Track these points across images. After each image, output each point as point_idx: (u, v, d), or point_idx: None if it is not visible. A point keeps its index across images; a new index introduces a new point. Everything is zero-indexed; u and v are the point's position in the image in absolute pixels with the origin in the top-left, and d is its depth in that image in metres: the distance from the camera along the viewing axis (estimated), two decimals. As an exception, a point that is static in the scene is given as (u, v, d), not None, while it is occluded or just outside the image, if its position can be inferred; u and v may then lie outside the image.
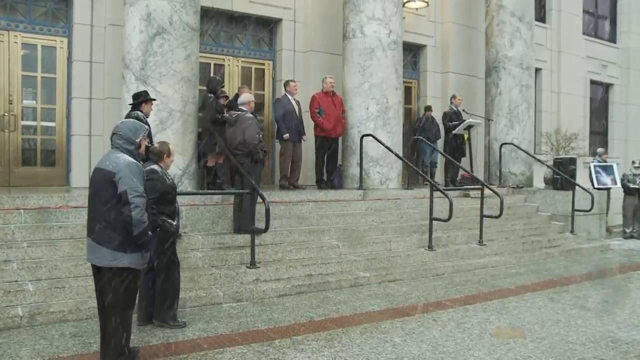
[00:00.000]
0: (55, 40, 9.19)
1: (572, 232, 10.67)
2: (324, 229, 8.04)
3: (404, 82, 11.18)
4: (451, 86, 13.19)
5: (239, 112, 7.39)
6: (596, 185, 12.28)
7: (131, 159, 3.89)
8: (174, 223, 4.95)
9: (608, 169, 12.61)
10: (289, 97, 9.35)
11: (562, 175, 11.23)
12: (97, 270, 3.98)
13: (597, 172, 12.50)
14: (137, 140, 3.99)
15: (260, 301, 6.16)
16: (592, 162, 12.94)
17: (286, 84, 9.52)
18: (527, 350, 4.75)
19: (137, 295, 4.25)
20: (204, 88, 8.91)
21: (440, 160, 12.08)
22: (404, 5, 11.33)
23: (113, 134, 4.01)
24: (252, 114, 7.41)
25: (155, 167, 4.86)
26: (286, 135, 9.15)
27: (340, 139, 9.94)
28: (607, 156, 13.44)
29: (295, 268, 6.91)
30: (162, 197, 4.79)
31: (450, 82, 13.33)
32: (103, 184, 3.82)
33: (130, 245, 3.84)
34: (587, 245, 10.35)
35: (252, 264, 6.67)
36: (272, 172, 11.14)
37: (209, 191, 8.13)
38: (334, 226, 8.23)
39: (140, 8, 7.61)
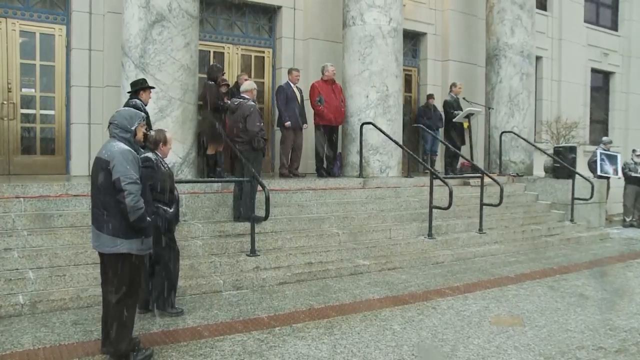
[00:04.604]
0: (53, 28, 9.14)
1: (571, 220, 10.68)
2: (324, 217, 8.04)
3: (404, 70, 11.15)
4: (451, 74, 13.15)
5: (241, 100, 7.35)
6: (599, 173, 12.27)
7: (125, 147, 3.92)
8: (170, 210, 4.94)
9: (612, 159, 12.58)
10: (291, 85, 9.32)
11: (562, 164, 11.20)
12: (102, 258, 4.05)
13: (601, 159, 12.48)
14: (133, 128, 4.02)
15: (261, 289, 6.18)
16: (598, 149, 12.90)
17: (289, 72, 9.48)
18: (526, 338, 4.77)
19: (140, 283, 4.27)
20: (204, 76, 8.88)
21: (440, 148, 12.07)
22: (404, -7, 11.26)
23: (110, 123, 4.06)
24: (253, 101, 7.38)
25: (150, 155, 4.84)
26: (288, 123, 9.12)
27: (340, 127, 9.93)
28: (612, 145, 13.42)
29: (295, 256, 6.92)
30: (157, 185, 4.78)
31: (451, 70, 13.28)
32: (100, 172, 3.89)
33: (129, 231, 3.89)
34: (587, 233, 10.36)
35: (252, 252, 6.68)
36: (272, 160, 11.13)
37: (209, 179, 8.12)
38: (334, 214, 8.24)
39: (139, -5, 7.57)
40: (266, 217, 6.53)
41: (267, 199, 6.35)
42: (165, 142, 5.01)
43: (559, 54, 15.96)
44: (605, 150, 12.86)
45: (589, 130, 16.95)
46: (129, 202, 3.78)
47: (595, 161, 12.56)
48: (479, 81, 13.29)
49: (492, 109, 12.32)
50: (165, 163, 5.09)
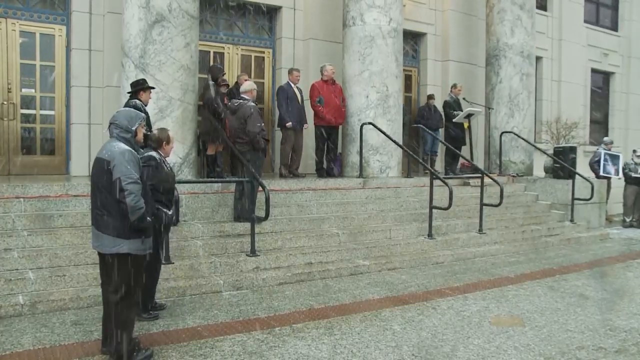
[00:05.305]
0: (53, 28, 9.14)
1: (571, 220, 10.68)
2: (324, 218, 8.04)
3: (404, 70, 11.16)
4: (451, 74, 13.16)
5: (241, 101, 7.35)
6: (601, 173, 12.26)
7: (126, 147, 3.92)
8: (169, 212, 4.93)
9: (614, 159, 12.58)
10: (292, 85, 9.32)
11: (563, 164, 11.19)
12: (102, 258, 4.05)
13: (605, 160, 12.46)
14: (134, 128, 4.02)
15: (260, 289, 6.18)
16: (600, 149, 12.88)
17: (289, 72, 9.48)
18: (526, 338, 4.77)
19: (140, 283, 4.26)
20: (204, 76, 8.87)
21: (440, 148, 12.08)
22: (404, -7, 11.26)
23: (110, 123, 4.06)
24: (253, 102, 7.38)
25: (153, 154, 4.84)
26: (289, 124, 9.12)
27: (340, 127, 9.92)
28: (613, 145, 13.42)
29: (295, 256, 6.92)
30: (159, 184, 4.77)
31: (451, 70, 13.29)
32: (100, 172, 3.89)
33: (130, 232, 3.89)
34: (587, 234, 10.36)
35: (252, 252, 6.68)
36: (272, 161, 11.13)
37: (209, 179, 8.12)
38: (334, 214, 8.24)
39: (139, -5, 7.57)
40: (266, 217, 6.54)
41: (267, 199, 6.35)
42: (168, 141, 5.01)
43: (559, 54, 15.96)
44: (607, 150, 12.85)
45: (589, 131, 16.95)
46: (130, 202, 3.78)
47: (597, 161, 12.56)
48: (479, 81, 13.29)
49: (492, 109, 12.32)
50: (168, 163, 5.09)
